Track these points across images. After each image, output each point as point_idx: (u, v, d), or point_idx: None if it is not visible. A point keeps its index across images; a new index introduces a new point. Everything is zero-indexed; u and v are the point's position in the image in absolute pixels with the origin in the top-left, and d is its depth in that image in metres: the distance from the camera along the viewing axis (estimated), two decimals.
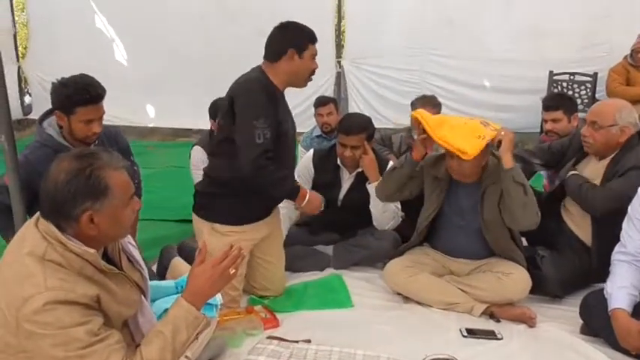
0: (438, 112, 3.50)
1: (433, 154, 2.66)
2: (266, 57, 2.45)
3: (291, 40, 2.41)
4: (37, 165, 2.28)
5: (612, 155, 2.56)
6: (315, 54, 2.47)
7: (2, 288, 1.38)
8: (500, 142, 2.39)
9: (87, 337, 1.36)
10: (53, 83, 2.38)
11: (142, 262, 1.72)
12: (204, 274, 1.58)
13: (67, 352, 1.34)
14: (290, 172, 2.58)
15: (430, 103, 3.50)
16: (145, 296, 1.69)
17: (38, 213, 1.49)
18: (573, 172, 2.66)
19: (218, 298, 1.91)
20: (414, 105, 3.53)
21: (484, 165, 2.47)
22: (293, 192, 2.52)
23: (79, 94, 2.31)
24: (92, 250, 1.44)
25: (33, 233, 1.43)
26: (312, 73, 2.50)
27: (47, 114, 2.49)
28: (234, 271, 1.62)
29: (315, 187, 3.03)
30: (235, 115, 2.34)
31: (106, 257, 1.58)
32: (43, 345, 1.34)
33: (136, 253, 1.71)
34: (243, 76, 2.45)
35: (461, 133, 2.35)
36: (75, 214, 1.41)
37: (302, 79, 2.49)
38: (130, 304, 1.58)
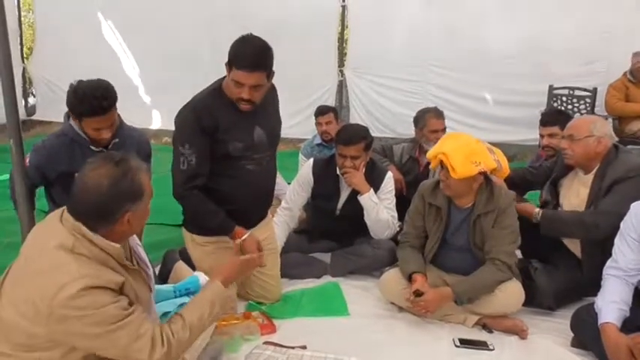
0: (443, 123, 3.56)
1: (429, 181, 2.72)
2: None
3: (229, 54, 2.25)
4: (50, 150, 2.47)
5: (595, 169, 2.63)
6: (237, 81, 2.22)
7: (32, 281, 1.46)
8: (494, 171, 2.46)
9: (120, 312, 1.48)
10: (71, 84, 2.39)
11: (147, 262, 1.80)
12: (238, 261, 1.91)
13: (105, 327, 1.45)
14: (237, 205, 2.43)
15: (441, 114, 3.56)
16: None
17: (60, 210, 1.57)
18: (547, 214, 2.68)
19: None
20: (426, 117, 3.54)
21: (476, 190, 2.52)
22: (223, 228, 2.42)
23: (83, 106, 2.32)
24: (117, 245, 1.55)
25: (59, 229, 1.52)
26: (238, 100, 2.27)
27: None
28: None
29: (314, 196, 3.09)
30: None
31: None
32: (81, 325, 1.43)
33: (143, 254, 1.79)
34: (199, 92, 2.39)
35: (461, 152, 2.41)
36: (116, 217, 1.53)
37: (233, 99, 2.31)
38: (143, 302, 1.65)
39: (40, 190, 2.59)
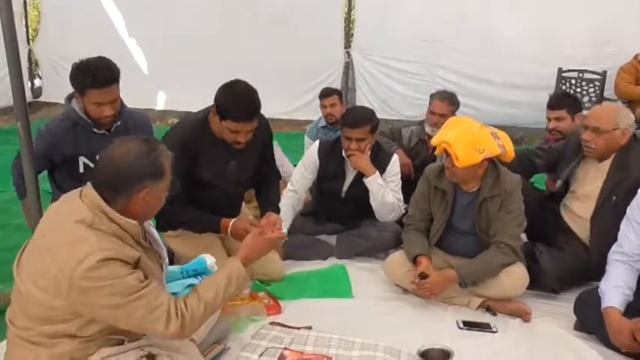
0: (455, 110, 3.53)
1: (435, 165, 2.71)
2: None
3: (216, 99, 2.33)
4: (54, 134, 2.48)
5: (613, 156, 2.60)
6: (233, 130, 2.32)
7: (51, 255, 1.50)
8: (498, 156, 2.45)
9: (138, 283, 1.52)
10: (74, 63, 2.43)
11: (160, 243, 1.83)
12: (259, 241, 1.88)
13: (123, 297, 1.49)
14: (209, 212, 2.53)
15: (448, 99, 3.52)
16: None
17: (80, 189, 1.61)
18: None
19: None
20: (433, 97, 3.55)
21: (482, 175, 2.51)
22: (209, 228, 2.56)
23: (85, 77, 2.38)
24: (134, 222, 1.58)
25: (79, 205, 1.56)
26: (234, 143, 2.37)
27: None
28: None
29: (319, 178, 3.10)
30: None
31: None
32: (100, 295, 1.47)
33: (156, 234, 1.82)
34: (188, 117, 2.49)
35: (464, 140, 2.40)
36: (133, 191, 1.57)
37: (220, 137, 2.40)
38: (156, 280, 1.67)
39: (43, 174, 2.60)
